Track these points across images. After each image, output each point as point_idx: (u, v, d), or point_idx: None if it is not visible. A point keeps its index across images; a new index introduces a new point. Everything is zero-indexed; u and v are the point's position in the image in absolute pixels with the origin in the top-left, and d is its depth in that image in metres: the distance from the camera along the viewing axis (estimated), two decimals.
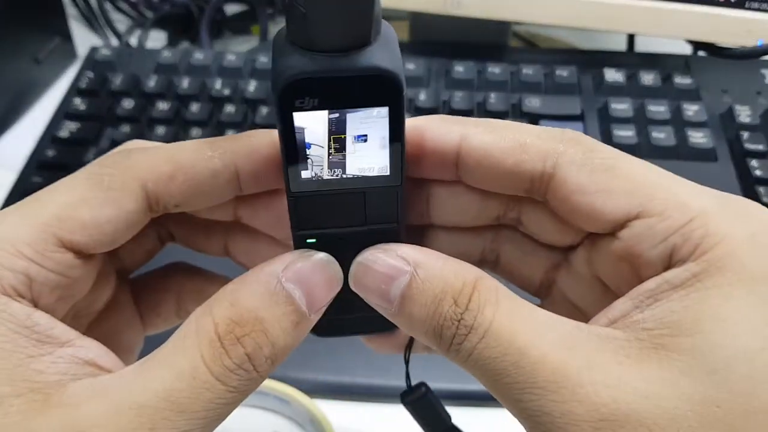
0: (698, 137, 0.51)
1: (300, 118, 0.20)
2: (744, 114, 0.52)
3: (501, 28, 0.64)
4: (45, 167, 0.51)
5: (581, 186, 0.21)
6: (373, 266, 0.22)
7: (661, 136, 0.51)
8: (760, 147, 0.50)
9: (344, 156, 0.21)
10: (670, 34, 0.55)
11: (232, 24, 0.75)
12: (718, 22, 0.53)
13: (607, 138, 0.51)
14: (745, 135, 0.50)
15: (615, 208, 0.20)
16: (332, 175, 0.21)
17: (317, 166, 0.21)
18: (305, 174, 0.21)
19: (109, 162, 0.23)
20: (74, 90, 0.56)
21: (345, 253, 0.23)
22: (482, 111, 0.54)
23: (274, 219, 0.25)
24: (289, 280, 0.21)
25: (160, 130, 0.52)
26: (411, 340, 0.27)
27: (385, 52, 0.19)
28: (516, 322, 0.19)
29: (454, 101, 0.54)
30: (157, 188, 0.22)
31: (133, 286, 0.28)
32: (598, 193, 0.21)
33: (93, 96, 0.56)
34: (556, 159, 0.21)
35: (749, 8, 0.52)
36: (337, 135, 0.20)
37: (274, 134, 0.23)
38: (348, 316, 0.24)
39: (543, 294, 0.26)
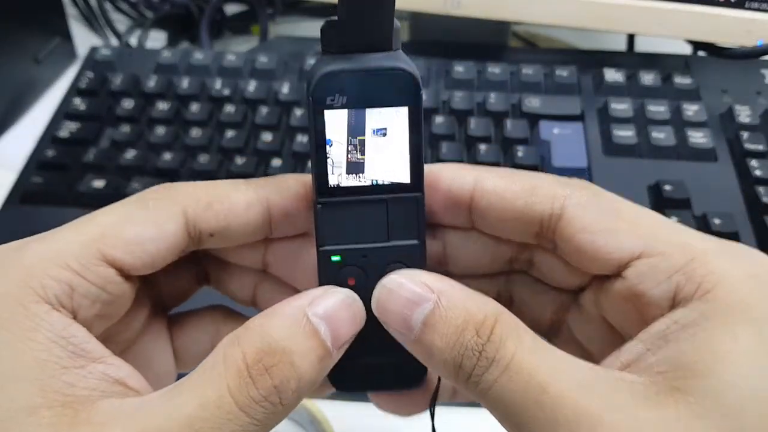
0: (698, 137, 0.51)
1: (329, 117, 0.22)
2: (744, 114, 0.52)
3: (501, 28, 0.64)
4: (45, 167, 0.51)
5: (587, 226, 0.22)
6: (398, 290, 0.22)
7: (660, 136, 0.51)
8: (760, 147, 0.50)
9: (364, 155, 0.22)
10: (670, 34, 0.55)
11: (232, 24, 0.75)
12: (718, 22, 0.53)
13: (607, 138, 0.51)
14: (745, 135, 0.50)
15: (619, 247, 0.21)
16: (355, 180, 0.22)
17: (338, 167, 0.22)
18: (331, 180, 0.22)
19: (154, 189, 0.24)
20: (74, 90, 0.56)
21: (368, 273, 0.23)
22: (482, 111, 0.54)
23: (299, 269, 0.26)
24: (316, 315, 0.21)
25: (160, 130, 0.52)
26: (436, 391, 0.27)
27: (404, 58, 0.22)
28: (537, 359, 0.20)
29: (454, 101, 0.54)
30: (196, 214, 0.24)
31: (171, 323, 0.29)
32: (602, 233, 0.22)
33: (93, 96, 0.56)
34: (563, 201, 0.22)
35: (749, 8, 0.52)
36: (356, 130, 0.22)
37: (303, 177, 0.24)
38: (368, 360, 0.24)
39: (552, 334, 0.27)
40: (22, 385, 0.19)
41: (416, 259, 0.24)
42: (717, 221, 0.45)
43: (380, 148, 0.22)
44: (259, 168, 0.50)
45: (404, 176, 0.23)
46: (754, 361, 0.18)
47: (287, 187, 0.24)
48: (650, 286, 0.21)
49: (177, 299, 0.29)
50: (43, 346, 0.20)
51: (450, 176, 0.24)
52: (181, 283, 0.28)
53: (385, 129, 0.22)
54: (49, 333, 0.20)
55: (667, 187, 0.47)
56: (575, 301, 0.25)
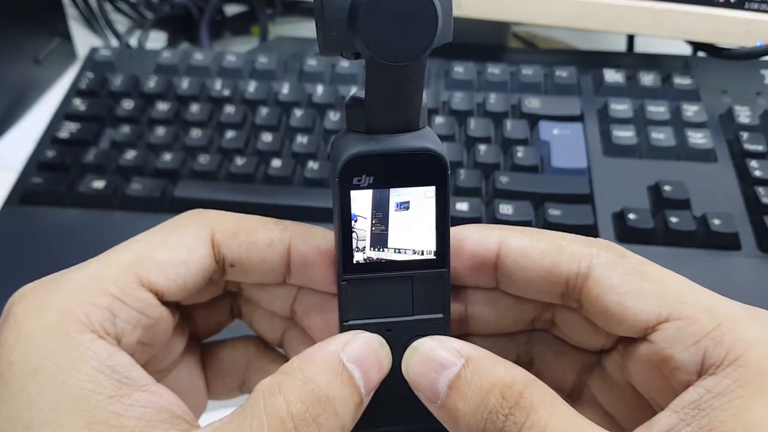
0: (698, 138, 0.51)
1: (355, 196, 0.22)
2: (743, 114, 0.52)
3: (501, 28, 0.64)
4: (45, 168, 0.51)
5: (614, 287, 0.22)
6: (428, 353, 0.22)
7: (660, 136, 0.51)
8: (760, 147, 0.50)
9: (387, 228, 0.22)
10: (669, 34, 0.55)
11: (232, 24, 0.75)
12: (717, 23, 0.53)
13: (607, 138, 0.51)
14: (745, 135, 0.50)
15: (646, 309, 0.21)
16: (379, 252, 0.22)
17: (362, 240, 0.22)
18: (357, 256, 0.22)
19: (184, 215, 0.25)
20: (74, 91, 0.56)
21: (392, 346, 0.23)
22: (482, 111, 0.54)
23: (324, 326, 0.26)
24: (350, 360, 0.21)
25: (160, 130, 0.52)
26: None
27: (431, 138, 0.22)
28: (573, 429, 0.19)
29: (454, 102, 0.54)
30: (222, 240, 0.24)
31: (204, 352, 0.29)
32: (629, 294, 0.21)
33: (93, 97, 0.56)
34: (590, 261, 0.22)
35: (749, 9, 0.52)
36: (381, 205, 0.22)
37: (330, 234, 0.24)
38: (390, 427, 0.24)
39: (574, 398, 0.26)
40: (68, 417, 0.19)
41: (440, 333, 0.24)
42: (717, 222, 0.45)
43: (403, 220, 0.22)
44: (259, 168, 0.50)
45: (430, 252, 0.23)
46: None
47: (312, 237, 0.24)
48: (678, 350, 0.20)
49: (211, 331, 0.29)
50: (88, 376, 0.20)
51: (475, 239, 0.24)
52: (216, 317, 0.28)
53: (408, 203, 0.22)
54: (94, 362, 0.20)
55: (667, 188, 0.47)
56: (598, 364, 0.25)
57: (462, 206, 0.46)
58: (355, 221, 0.22)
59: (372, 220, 0.22)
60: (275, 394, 0.20)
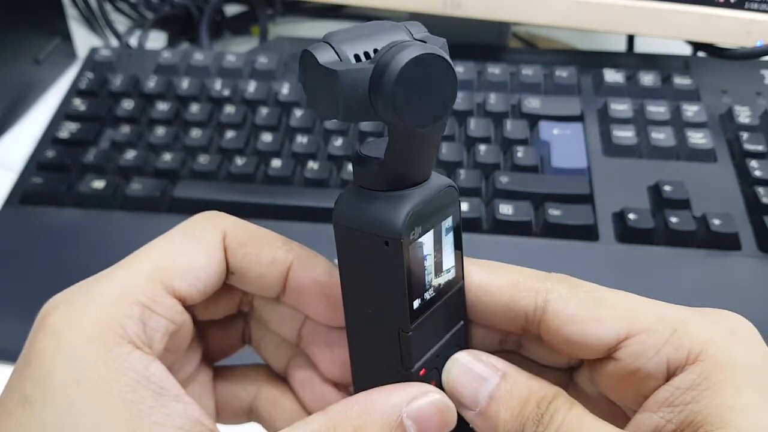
0: (698, 138, 0.51)
1: (410, 249, 0.22)
2: (743, 115, 0.52)
3: (500, 28, 0.64)
4: (45, 168, 0.51)
5: (571, 317, 0.23)
6: (467, 365, 0.24)
7: (660, 136, 0.51)
8: (760, 148, 0.50)
9: (442, 255, 0.23)
10: (669, 34, 0.55)
11: (232, 24, 0.75)
12: (717, 23, 0.53)
13: (607, 138, 0.51)
14: (745, 136, 0.50)
15: (605, 332, 0.23)
16: (431, 292, 0.23)
17: (429, 274, 0.23)
18: (416, 304, 0.23)
19: (200, 219, 0.25)
20: (74, 91, 0.56)
21: (440, 369, 0.24)
22: (482, 111, 0.54)
23: (329, 353, 0.26)
24: (409, 417, 0.22)
25: (160, 130, 0.52)
26: None
27: (441, 176, 0.23)
28: (583, 422, 0.22)
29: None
30: (229, 246, 0.25)
31: (215, 375, 0.29)
32: (587, 322, 0.23)
33: (93, 97, 0.56)
34: (545, 295, 0.24)
35: (749, 9, 0.52)
36: (437, 242, 0.23)
37: (331, 268, 0.25)
38: None
39: None
40: (113, 426, 0.20)
41: (466, 340, 0.25)
42: (716, 222, 0.45)
43: (447, 248, 0.23)
44: (259, 168, 0.50)
45: (452, 273, 0.24)
46: (757, 408, 0.20)
47: (313, 266, 0.25)
48: (643, 362, 0.22)
49: (223, 353, 0.29)
50: (129, 387, 0.20)
51: None
52: (228, 338, 0.29)
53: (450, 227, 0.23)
54: (133, 373, 0.21)
55: (667, 188, 0.47)
56: (571, 380, 0.26)
57: (462, 206, 0.46)
58: (426, 260, 0.23)
59: (434, 255, 0.23)
60: None
